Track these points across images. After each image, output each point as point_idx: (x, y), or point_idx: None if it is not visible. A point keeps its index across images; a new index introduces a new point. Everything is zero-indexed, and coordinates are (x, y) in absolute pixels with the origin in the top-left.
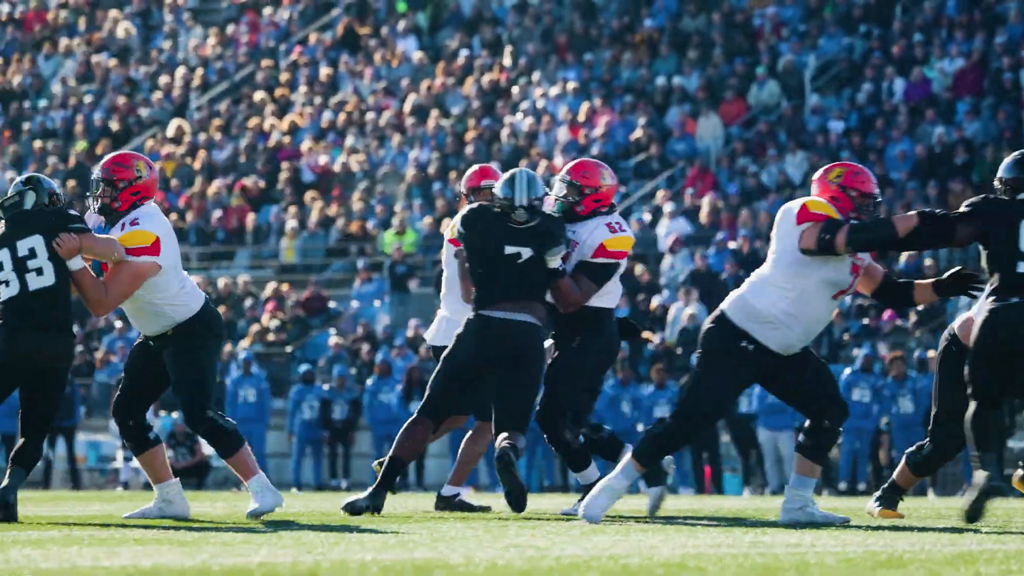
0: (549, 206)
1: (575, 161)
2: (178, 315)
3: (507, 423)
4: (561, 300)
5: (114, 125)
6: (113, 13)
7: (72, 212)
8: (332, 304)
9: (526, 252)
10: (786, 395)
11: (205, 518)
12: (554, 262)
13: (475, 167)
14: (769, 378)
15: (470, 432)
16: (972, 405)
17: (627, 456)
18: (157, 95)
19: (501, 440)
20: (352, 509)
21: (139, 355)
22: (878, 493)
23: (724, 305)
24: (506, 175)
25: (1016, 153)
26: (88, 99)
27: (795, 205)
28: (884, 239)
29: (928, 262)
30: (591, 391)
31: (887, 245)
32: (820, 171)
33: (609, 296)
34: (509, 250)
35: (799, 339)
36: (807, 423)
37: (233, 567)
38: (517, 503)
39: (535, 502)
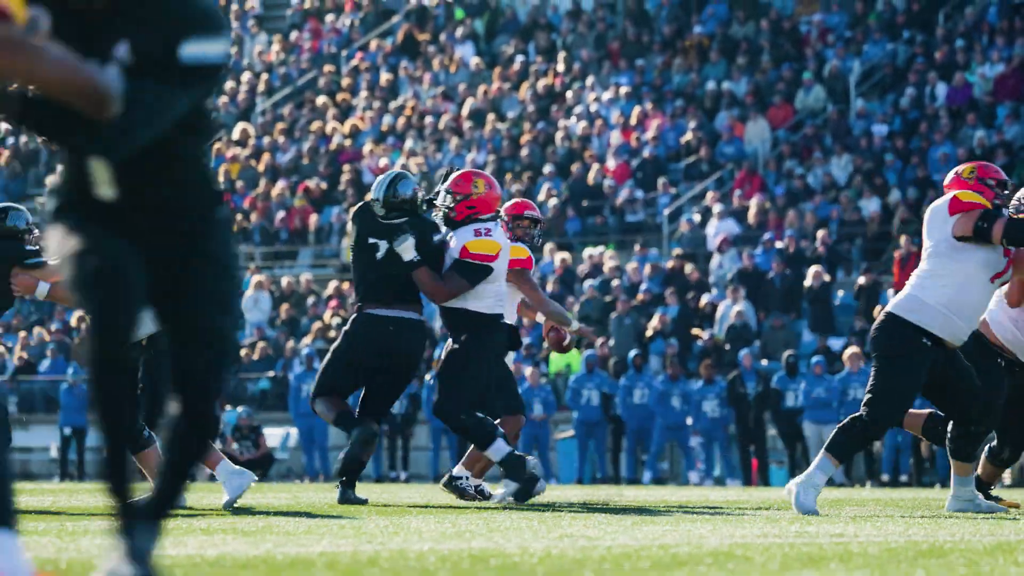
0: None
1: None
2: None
3: (371, 411)
4: (423, 289)
5: None
6: None
7: (28, 247)
8: None
9: (383, 245)
10: (938, 395)
11: (270, 509)
12: (406, 253)
13: (517, 199)
14: (933, 375)
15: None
16: None
17: (822, 452)
18: (223, 99)
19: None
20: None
21: None
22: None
23: (891, 307)
24: None
25: None
26: None
27: (944, 199)
28: None
29: None
30: (479, 382)
31: None
32: (951, 175)
33: (492, 302)
34: (371, 240)
35: (963, 329)
36: (952, 426)
37: (296, 557)
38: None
39: (588, 493)
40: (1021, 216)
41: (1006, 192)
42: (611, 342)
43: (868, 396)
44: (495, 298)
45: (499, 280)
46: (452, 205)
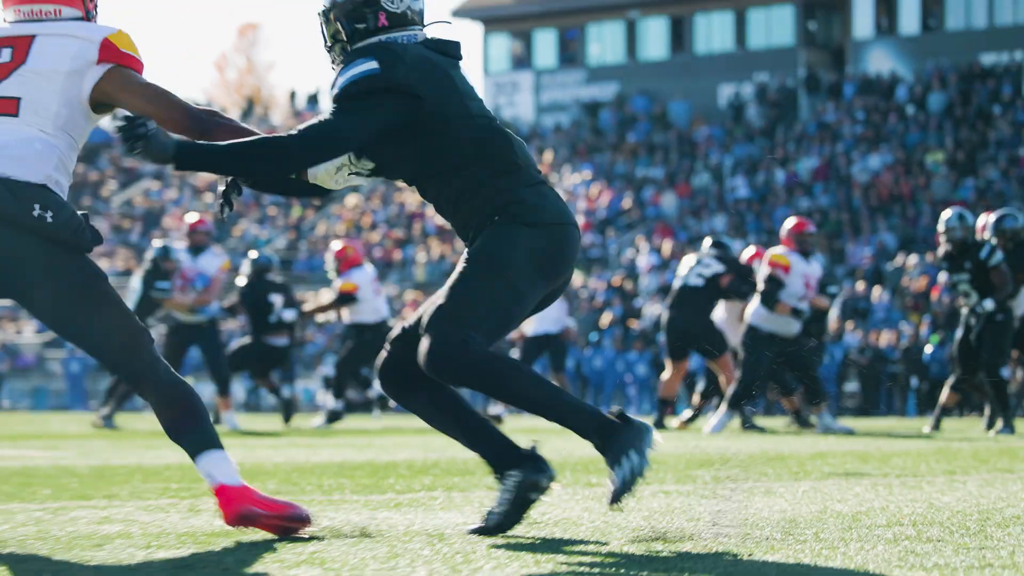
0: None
1: None
2: None
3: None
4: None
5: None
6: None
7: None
8: None
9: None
10: (787, 364)
11: (365, 432)
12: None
13: None
14: (781, 356)
15: None
16: None
17: (725, 403)
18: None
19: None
20: None
21: None
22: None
23: (747, 319)
24: None
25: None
26: None
27: (766, 256)
28: (770, 309)
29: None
30: (355, 371)
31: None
32: (783, 230)
33: (366, 314)
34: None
35: (784, 328)
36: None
37: (388, 462)
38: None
39: None
40: (772, 285)
41: (805, 240)
42: (579, 330)
43: (741, 369)
44: (365, 311)
45: (366, 300)
46: (336, 266)
